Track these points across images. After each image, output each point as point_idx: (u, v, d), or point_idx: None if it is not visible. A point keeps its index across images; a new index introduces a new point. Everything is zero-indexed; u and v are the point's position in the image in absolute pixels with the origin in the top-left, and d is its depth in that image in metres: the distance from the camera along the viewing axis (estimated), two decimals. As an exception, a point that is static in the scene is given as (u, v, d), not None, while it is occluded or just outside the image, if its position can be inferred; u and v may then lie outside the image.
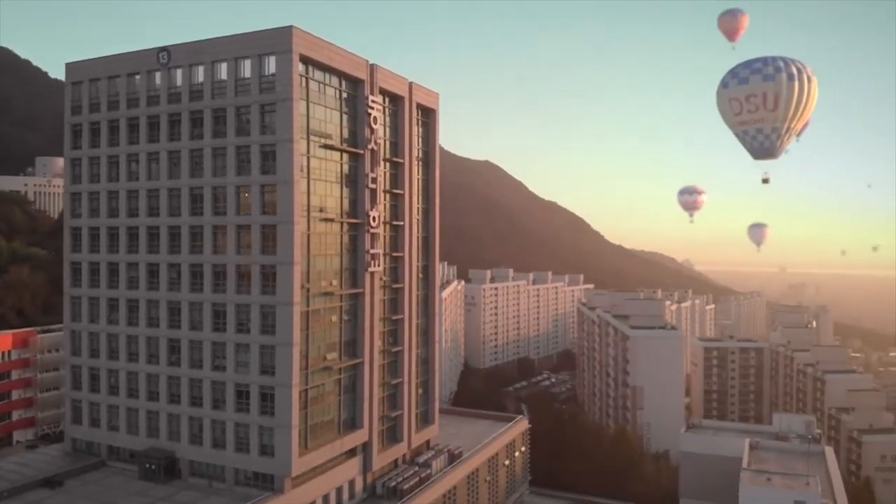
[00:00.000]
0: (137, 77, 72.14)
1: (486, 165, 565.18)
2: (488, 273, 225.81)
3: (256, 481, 67.04)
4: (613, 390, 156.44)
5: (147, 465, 69.75)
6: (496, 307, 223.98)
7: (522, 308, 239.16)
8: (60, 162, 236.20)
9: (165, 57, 69.88)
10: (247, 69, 66.76)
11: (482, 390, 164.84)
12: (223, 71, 67.74)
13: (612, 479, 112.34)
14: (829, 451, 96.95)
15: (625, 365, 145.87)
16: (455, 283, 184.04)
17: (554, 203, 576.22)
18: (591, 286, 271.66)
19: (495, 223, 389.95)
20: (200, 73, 68.92)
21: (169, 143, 70.44)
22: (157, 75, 71.15)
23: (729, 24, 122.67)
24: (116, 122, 73.20)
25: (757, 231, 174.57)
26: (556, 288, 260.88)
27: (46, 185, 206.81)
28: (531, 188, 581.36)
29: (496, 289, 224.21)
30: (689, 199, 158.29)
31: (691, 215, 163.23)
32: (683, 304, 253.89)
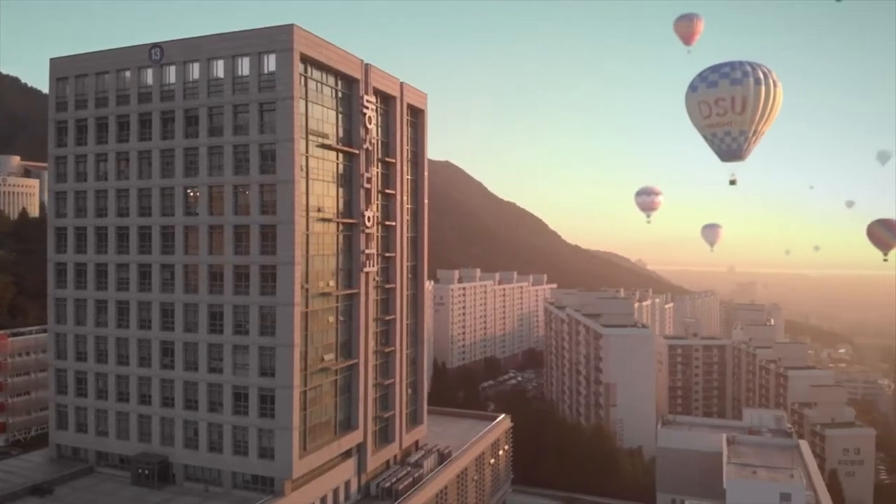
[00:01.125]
0: (128, 74, 70.55)
1: (446, 166, 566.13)
2: (456, 273, 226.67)
3: (255, 484, 66.19)
4: (585, 388, 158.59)
5: (140, 471, 68.27)
6: (464, 307, 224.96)
7: (489, 308, 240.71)
8: (15, 160, 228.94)
9: (158, 53, 68.46)
10: (245, 67, 65.87)
11: (454, 390, 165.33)
12: (220, 68, 66.72)
13: (591, 475, 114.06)
14: (804, 445, 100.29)
15: (597, 363, 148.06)
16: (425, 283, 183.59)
17: (513, 204, 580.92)
18: (554, 286, 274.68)
19: (457, 223, 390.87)
20: (195, 71, 67.70)
21: (162, 141, 69.05)
22: (149, 72, 69.63)
23: (685, 28, 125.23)
24: (105, 120, 71.42)
25: (711, 231, 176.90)
26: (522, 288, 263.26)
27: (1, 183, 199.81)
28: (491, 189, 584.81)
29: (464, 289, 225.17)
30: (646, 199, 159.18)
31: (648, 216, 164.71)
32: (644, 303, 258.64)
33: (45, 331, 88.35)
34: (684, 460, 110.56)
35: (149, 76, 69.69)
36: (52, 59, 73.82)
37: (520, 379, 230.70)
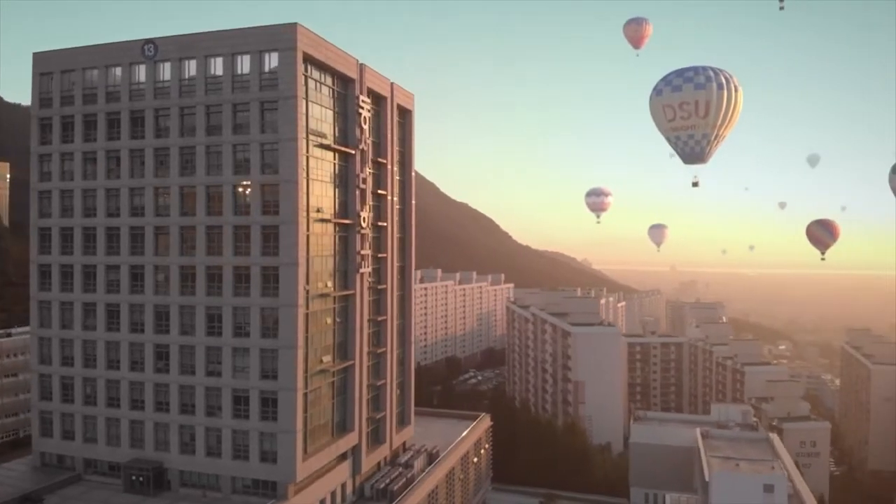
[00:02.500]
0: (118, 70, 68.61)
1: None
2: (418, 273, 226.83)
3: (256, 489, 65.28)
4: (552, 386, 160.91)
5: (134, 477, 66.54)
6: (426, 307, 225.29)
7: (450, 308, 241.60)
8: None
9: (152, 50, 66.81)
10: (244, 65, 64.90)
11: (425, 389, 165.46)
12: (218, 66, 65.54)
13: (566, 471, 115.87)
14: (775, 438, 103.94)
15: (565, 361, 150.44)
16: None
17: (466, 205, 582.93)
18: (511, 285, 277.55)
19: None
20: (191, 68, 66.37)
21: (156, 139, 67.44)
22: (141, 69, 67.91)
23: (634, 31, 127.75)
24: (94, 117, 69.29)
25: (657, 232, 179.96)
26: (482, 288, 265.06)
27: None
28: (443, 189, 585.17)
29: (426, 289, 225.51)
30: (596, 200, 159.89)
31: (598, 217, 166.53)
32: (601, 302, 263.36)
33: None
34: (657, 455, 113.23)
35: (141, 73, 67.94)
36: (35, 54, 71.20)
37: (480, 378, 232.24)
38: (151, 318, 67.87)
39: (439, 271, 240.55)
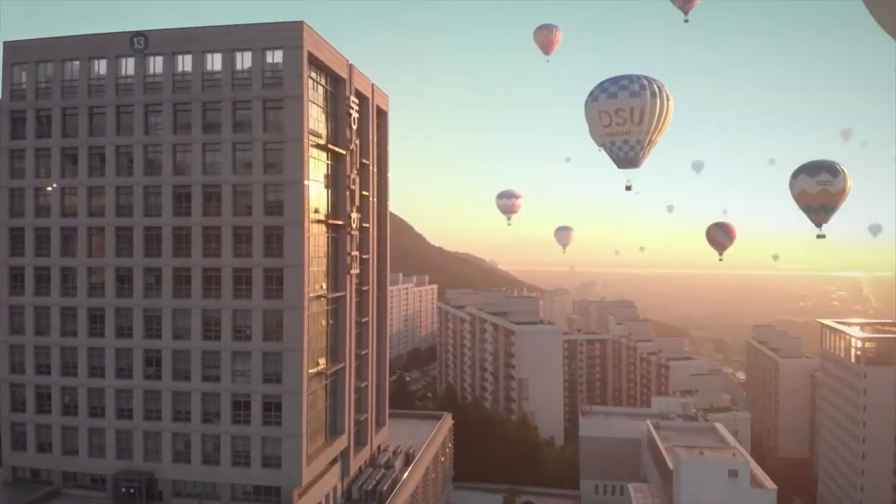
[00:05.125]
0: (103, 62, 65.31)
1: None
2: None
3: (258, 496, 63.86)
4: (492, 384, 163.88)
5: (124, 489, 63.58)
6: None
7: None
8: None
9: (142, 42, 64.05)
10: (244, 62, 63.43)
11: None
12: (216, 62, 63.64)
13: (522, 466, 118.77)
14: (721, 426, 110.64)
15: (508, 359, 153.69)
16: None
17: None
18: (435, 286, 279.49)
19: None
20: (186, 63, 64.14)
21: (145, 136, 64.71)
22: (129, 62, 64.96)
23: (544, 37, 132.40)
24: (75, 111, 65.66)
25: (563, 234, 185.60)
26: (407, 289, 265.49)
27: None
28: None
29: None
30: (506, 202, 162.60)
31: (509, 218, 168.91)
32: (539, 302, 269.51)
33: None
34: (605, 447, 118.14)
35: (129, 66, 64.97)
36: (6, 43, 66.50)
37: (408, 378, 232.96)
38: (140, 322, 65.00)
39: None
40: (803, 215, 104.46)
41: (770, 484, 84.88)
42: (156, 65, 64.47)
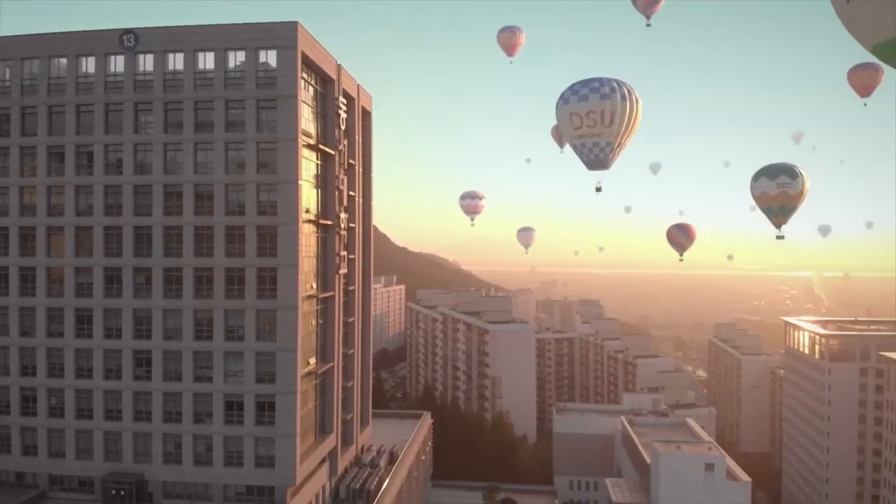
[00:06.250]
0: (91, 59, 64.48)
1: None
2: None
3: (250, 496, 63.82)
4: (465, 382, 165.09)
5: (113, 491, 62.86)
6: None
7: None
8: None
9: (132, 40, 63.44)
10: (237, 62, 63.33)
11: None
12: (208, 61, 63.42)
13: (499, 464, 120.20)
14: (693, 422, 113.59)
15: (482, 357, 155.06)
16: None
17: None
18: (403, 286, 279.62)
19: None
20: (177, 62, 63.74)
21: (135, 135, 64.10)
22: (118, 60, 64.28)
23: (507, 39, 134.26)
24: (62, 108, 64.67)
25: (525, 234, 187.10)
26: (375, 289, 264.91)
27: None
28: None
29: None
30: (470, 203, 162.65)
31: (472, 219, 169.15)
32: (512, 301, 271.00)
33: None
34: (579, 444, 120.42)
35: (118, 64, 64.28)
36: (-11, 38, 65.34)
37: (383, 377, 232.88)
38: (130, 322, 64.34)
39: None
40: (757, 216, 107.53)
41: (745, 477, 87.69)
42: (146, 63, 63.92)
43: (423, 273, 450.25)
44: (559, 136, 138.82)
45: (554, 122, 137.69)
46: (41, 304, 65.22)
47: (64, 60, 64.82)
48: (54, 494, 65.39)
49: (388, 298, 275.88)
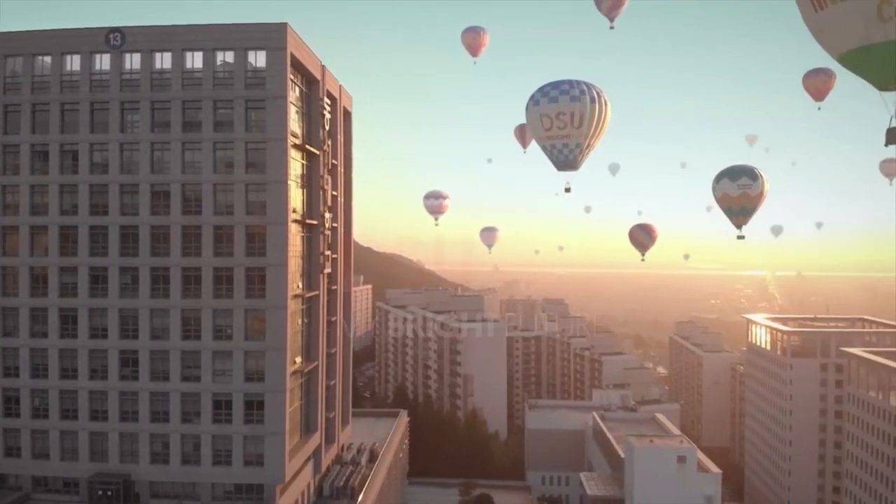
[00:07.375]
0: (76, 58, 64.04)
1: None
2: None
3: (239, 494, 64.13)
4: (436, 381, 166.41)
5: (100, 492, 62.61)
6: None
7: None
8: None
9: (118, 39, 63.20)
10: (227, 62, 63.58)
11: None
12: (197, 61, 63.56)
13: (473, 461, 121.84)
14: (662, 417, 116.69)
15: (454, 356, 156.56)
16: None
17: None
18: (370, 286, 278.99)
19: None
20: (165, 61, 63.71)
21: (121, 134, 63.89)
22: (104, 58, 63.95)
23: (472, 40, 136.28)
24: (46, 107, 64.08)
25: (488, 234, 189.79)
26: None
27: None
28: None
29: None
30: (434, 203, 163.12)
31: (436, 219, 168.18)
32: (483, 299, 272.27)
33: None
34: (551, 439, 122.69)
35: (104, 62, 63.96)
36: (-30, 35, 64.39)
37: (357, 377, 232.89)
38: (116, 322, 64.07)
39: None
40: (713, 217, 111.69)
41: (715, 469, 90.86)
42: (133, 62, 63.72)
43: (387, 273, 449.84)
44: (522, 135, 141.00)
45: (518, 122, 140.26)
46: (24, 304, 64.52)
47: (48, 58, 64.22)
48: (38, 496, 64.74)
49: (355, 298, 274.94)
